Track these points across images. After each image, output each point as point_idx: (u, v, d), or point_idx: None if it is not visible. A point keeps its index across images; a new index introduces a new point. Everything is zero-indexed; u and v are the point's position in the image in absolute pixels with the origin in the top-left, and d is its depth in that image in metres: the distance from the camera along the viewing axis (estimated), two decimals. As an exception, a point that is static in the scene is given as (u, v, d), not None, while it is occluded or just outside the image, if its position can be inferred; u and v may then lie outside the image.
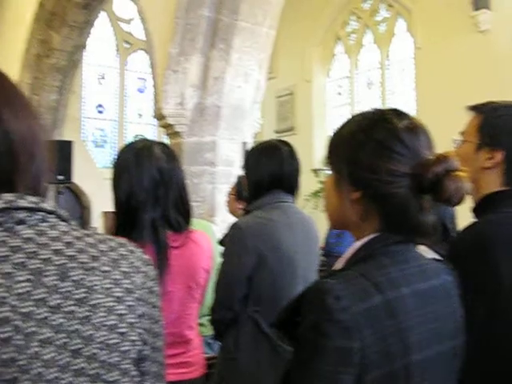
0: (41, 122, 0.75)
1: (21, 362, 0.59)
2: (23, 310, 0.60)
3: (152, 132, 11.99)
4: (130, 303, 0.70)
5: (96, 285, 0.67)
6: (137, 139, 1.97)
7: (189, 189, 1.83)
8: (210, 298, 2.08)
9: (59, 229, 0.69)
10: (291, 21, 8.46)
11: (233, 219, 3.57)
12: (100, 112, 11.58)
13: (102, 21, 10.89)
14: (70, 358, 0.63)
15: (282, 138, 2.40)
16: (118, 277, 0.70)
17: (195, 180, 4.38)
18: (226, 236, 2.13)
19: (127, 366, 0.69)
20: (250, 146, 4.60)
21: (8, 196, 0.66)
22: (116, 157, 1.79)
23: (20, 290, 0.61)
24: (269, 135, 8.70)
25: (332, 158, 1.11)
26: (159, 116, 4.70)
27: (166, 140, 4.83)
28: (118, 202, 1.71)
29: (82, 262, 0.67)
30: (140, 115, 12.11)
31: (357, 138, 1.03)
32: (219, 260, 2.14)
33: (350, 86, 10.13)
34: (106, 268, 0.69)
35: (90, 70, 11.48)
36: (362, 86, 10.00)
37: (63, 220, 0.71)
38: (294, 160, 2.13)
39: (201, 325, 2.29)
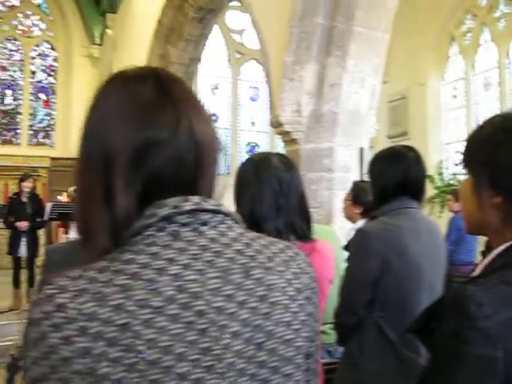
0: (216, 128, 0.80)
1: (216, 352, 0.65)
2: (216, 305, 0.66)
3: (265, 139, 12.23)
4: (301, 302, 0.74)
5: (274, 284, 0.72)
6: (255, 154, 2.03)
7: (307, 195, 1.86)
8: (331, 306, 2.09)
9: (235, 230, 0.75)
10: (403, 23, 8.29)
11: (350, 225, 3.59)
12: (214, 121, 11.98)
13: (214, 33, 11.29)
14: (254, 350, 0.68)
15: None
16: (289, 277, 0.74)
17: (313, 186, 4.42)
18: (351, 241, 2.15)
19: (300, 360, 0.73)
20: (366, 151, 4.58)
21: (196, 198, 0.72)
22: (237, 173, 1.84)
23: (212, 286, 0.67)
24: (382, 141, 8.57)
25: (469, 160, 1.08)
26: (276, 123, 4.80)
27: (281, 147, 4.92)
28: (242, 216, 1.77)
29: (261, 262, 0.72)
30: (253, 123, 12.39)
31: (498, 139, 1.00)
32: (343, 266, 2.15)
33: (466, 88, 9.73)
34: (280, 268, 0.74)
35: (204, 80, 11.92)
36: (478, 88, 9.57)
37: (236, 222, 0.77)
38: (420, 166, 2.11)
39: (323, 332, 2.31)
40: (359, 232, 2.08)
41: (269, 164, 1.76)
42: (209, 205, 0.73)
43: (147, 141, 0.71)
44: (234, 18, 12.46)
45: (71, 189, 7.60)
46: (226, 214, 0.75)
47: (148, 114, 0.72)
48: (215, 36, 11.74)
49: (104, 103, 0.78)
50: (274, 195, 1.72)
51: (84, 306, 0.62)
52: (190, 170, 0.73)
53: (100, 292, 0.63)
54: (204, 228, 0.71)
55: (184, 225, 0.70)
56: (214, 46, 11.88)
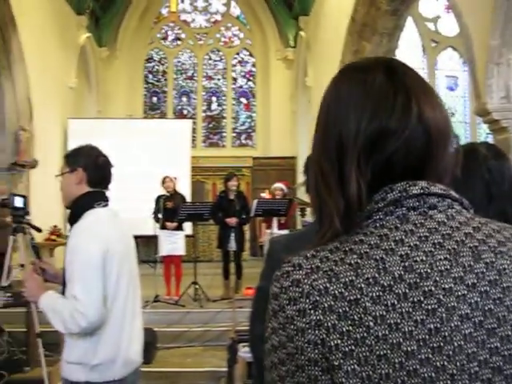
0: (448, 114, 0.80)
1: (444, 333, 0.65)
2: (444, 286, 0.67)
3: (464, 130, 11.57)
4: None
5: (505, 268, 0.70)
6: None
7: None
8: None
9: (464, 215, 0.74)
10: None
11: None
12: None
13: (407, 23, 10.98)
14: (485, 336, 0.66)
15: None
16: None
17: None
18: None
19: None
20: None
21: (423, 183, 0.73)
22: None
23: (440, 268, 0.68)
24: None
25: None
26: (482, 112, 4.53)
27: (483, 138, 4.61)
28: None
29: (492, 246, 0.71)
30: (452, 114, 11.80)
31: None
32: None
33: None
34: None
35: (398, 73, 11.64)
36: None
37: (465, 208, 0.76)
38: None
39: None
40: None
41: (476, 154, 1.71)
42: (437, 189, 0.73)
43: (379, 129, 0.73)
44: (427, 5, 11.98)
45: (276, 185, 8.01)
46: (455, 199, 0.75)
47: (380, 102, 0.74)
48: (408, 26, 11.41)
49: (337, 94, 0.80)
50: (484, 184, 1.66)
51: (317, 282, 0.67)
52: (419, 155, 0.74)
53: (332, 270, 0.67)
54: (432, 212, 0.72)
55: (412, 208, 0.72)
56: (408, 36, 11.54)
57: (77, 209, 2.11)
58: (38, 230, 3.65)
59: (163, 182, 7.54)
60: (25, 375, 3.23)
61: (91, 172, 2.12)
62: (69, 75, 12.17)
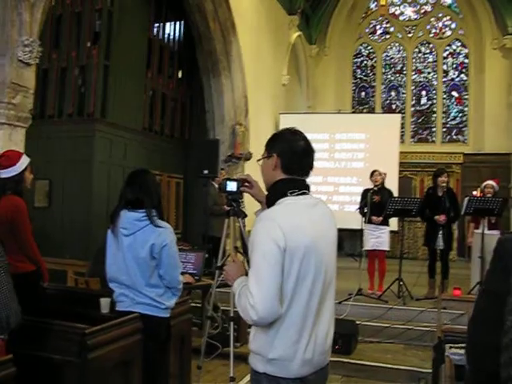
0: None
1: None
2: None
3: None
4: None
5: None
6: None
7: None
8: None
9: None
10: None
11: None
12: None
13: None
14: None
15: None
16: None
17: None
18: None
19: None
20: None
21: None
22: None
23: None
24: None
25: None
26: None
27: None
28: None
29: None
30: None
31: None
32: None
33: None
34: None
35: None
36: None
37: None
38: None
39: None
40: None
41: None
42: None
43: None
44: None
45: (487, 183, 7.49)
46: None
47: None
48: None
49: None
50: None
51: None
52: None
53: None
54: None
55: None
56: None
57: (271, 195, 2.05)
58: (244, 215, 3.88)
59: (372, 175, 7.52)
60: (235, 350, 3.50)
61: (286, 158, 2.02)
62: (281, 72, 12.79)
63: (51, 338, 2.60)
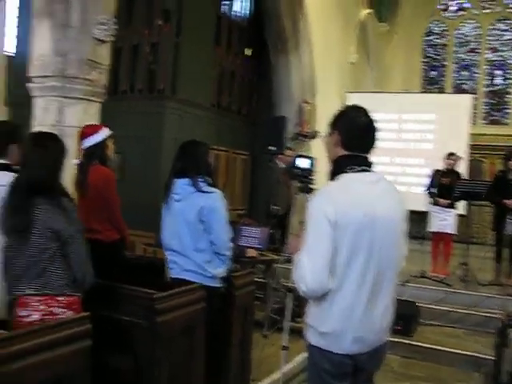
0: None
1: None
2: None
3: None
4: None
5: None
6: None
7: None
8: None
9: None
10: None
11: None
12: None
13: None
14: None
15: None
16: None
17: None
18: None
19: None
20: None
21: None
22: None
23: None
24: None
25: None
26: None
27: None
28: None
29: None
30: None
31: None
32: None
33: None
34: None
35: None
36: None
37: None
38: None
39: None
40: None
41: None
42: None
43: None
44: None
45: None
46: None
47: None
48: None
49: None
50: None
51: None
52: None
53: None
54: None
55: None
56: None
57: (332, 172, 2.07)
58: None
59: (447, 157, 7.38)
60: (295, 325, 3.58)
61: (346, 135, 2.04)
62: (349, 51, 12.59)
63: (122, 302, 2.76)
